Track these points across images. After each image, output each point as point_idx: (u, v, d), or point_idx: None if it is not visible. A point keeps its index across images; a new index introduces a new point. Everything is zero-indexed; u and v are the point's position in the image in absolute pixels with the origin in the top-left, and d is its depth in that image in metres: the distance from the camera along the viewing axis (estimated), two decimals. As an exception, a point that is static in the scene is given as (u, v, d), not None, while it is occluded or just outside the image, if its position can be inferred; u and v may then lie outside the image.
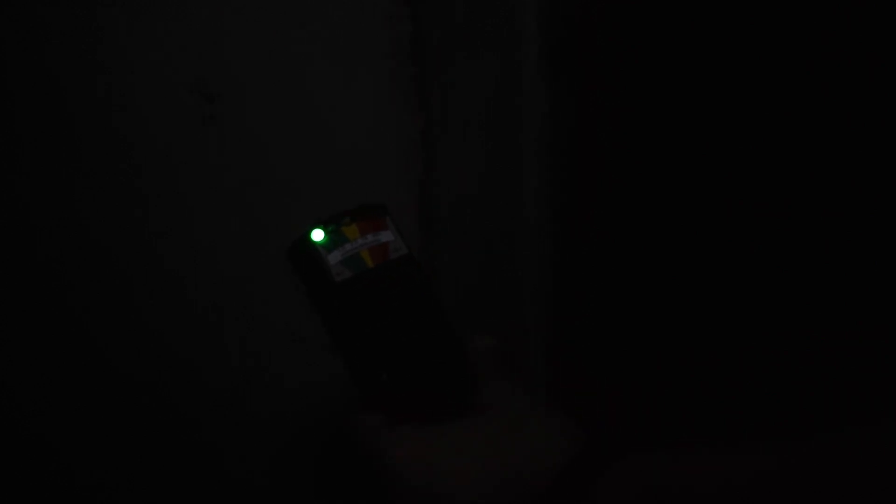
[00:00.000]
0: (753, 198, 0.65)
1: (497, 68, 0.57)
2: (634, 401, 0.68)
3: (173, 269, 0.62)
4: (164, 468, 0.69)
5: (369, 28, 0.55)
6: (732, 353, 0.67)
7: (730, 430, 0.59)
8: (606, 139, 0.65)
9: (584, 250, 0.66)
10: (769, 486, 0.36)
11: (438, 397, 0.44)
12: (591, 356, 0.70)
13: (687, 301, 0.69)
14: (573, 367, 0.69)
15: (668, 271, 0.69)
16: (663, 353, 0.69)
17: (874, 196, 0.61)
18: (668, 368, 0.69)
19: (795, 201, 0.63)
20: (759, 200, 0.65)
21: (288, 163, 0.59)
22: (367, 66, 0.56)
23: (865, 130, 0.60)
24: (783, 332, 0.67)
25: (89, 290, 0.64)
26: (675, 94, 0.65)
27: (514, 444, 0.43)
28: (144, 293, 0.62)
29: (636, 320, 0.69)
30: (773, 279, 0.66)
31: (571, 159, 0.63)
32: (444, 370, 0.44)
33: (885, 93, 0.58)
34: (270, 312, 0.62)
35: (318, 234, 0.43)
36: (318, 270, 0.43)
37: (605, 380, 0.69)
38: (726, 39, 0.63)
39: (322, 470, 0.64)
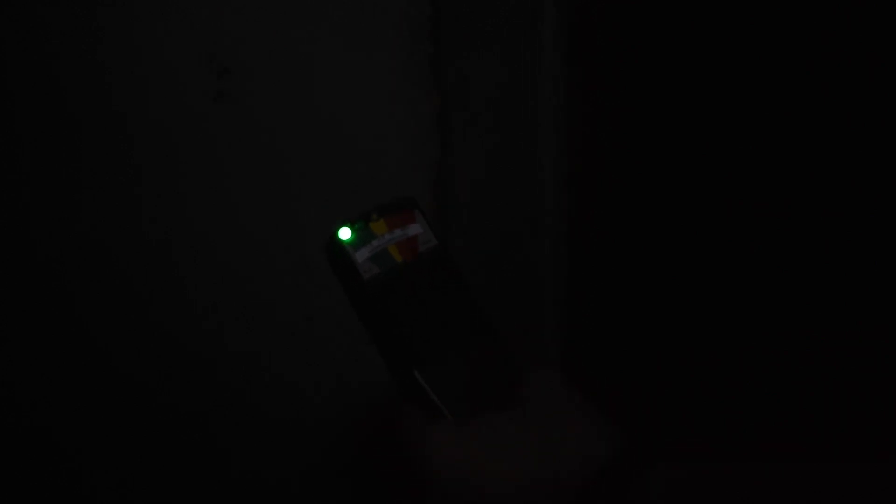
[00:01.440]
0: (758, 197, 0.65)
1: (517, 50, 0.56)
2: (647, 398, 0.68)
3: (177, 259, 0.62)
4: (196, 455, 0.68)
5: (387, 7, 0.55)
6: (735, 352, 0.67)
7: (733, 428, 0.60)
8: (620, 126, 0.65)
9: (600, 240, 0.66)
10: None
11: (478, 391, 0.44)
12: (608, 354, 0.70)
13: (693, 298, 0.68)
14: (590, 362, 0.69)
15: (676, 264, 0.68)
16: (671, 350, 0.69)
17: (873, 196, 0.62)
18: (674, 366, 0.69)
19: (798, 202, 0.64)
20: (766, 199, 0.65)
21: (300, 145, 0.59)
22: (383, 45, 0.56)
23: (865, 131, 0.60)
24: (784, 331, 0.67)
25: (88, 283, 0.64)
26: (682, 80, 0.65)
27: (555, 443, 0.43)
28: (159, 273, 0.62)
29: (646, 318, 0.69)
30: (774, 278, 0.66)
31: (587, 146, 0.63)
32: (483, 364, 0.45)
33: (881, 92, 0.59)
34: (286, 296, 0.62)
35: (345, 233, 0.43)
36: (348, 269, 0.43)
37: (623, 379, 0.69)
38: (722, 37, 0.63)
39: (360, 466, 0.64)
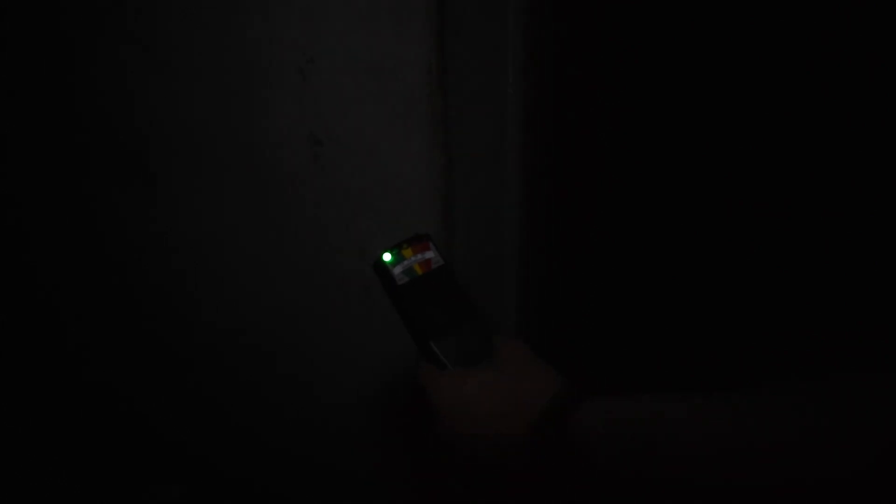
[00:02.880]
0: (749, 196, 0.67)
1: (492, 132, 0.81)
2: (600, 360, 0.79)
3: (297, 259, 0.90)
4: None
5: (414, 101, 0.79)
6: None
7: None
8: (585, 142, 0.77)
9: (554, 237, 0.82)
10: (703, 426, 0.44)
11: (469, 354, 0.59)
12: (568, 327, 0.83)
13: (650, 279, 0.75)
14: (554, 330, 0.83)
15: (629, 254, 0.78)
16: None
17: (854, 196, 0.61)
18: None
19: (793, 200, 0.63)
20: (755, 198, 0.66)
21: (364, 189, 0.84)
22: (411, 125, 0.80)
23: (860, 131, 0.59)
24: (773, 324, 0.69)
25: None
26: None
27: (519, 385, 0.55)
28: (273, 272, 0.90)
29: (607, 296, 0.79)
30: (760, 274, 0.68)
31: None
32: (472, 336, 0.60)
33: (862, 93, 0.58)
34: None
35: (387, 256, 0.60)
36: (388, 278, 0.60)
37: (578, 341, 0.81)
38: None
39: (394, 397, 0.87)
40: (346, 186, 0.85)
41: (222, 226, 0.92)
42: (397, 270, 0.59)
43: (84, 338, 1.06)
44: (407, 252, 0.60)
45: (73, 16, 0.87)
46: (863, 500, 0.37)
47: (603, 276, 0.82)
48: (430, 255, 0.61)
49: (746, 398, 0.43)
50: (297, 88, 0.82)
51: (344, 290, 0.90)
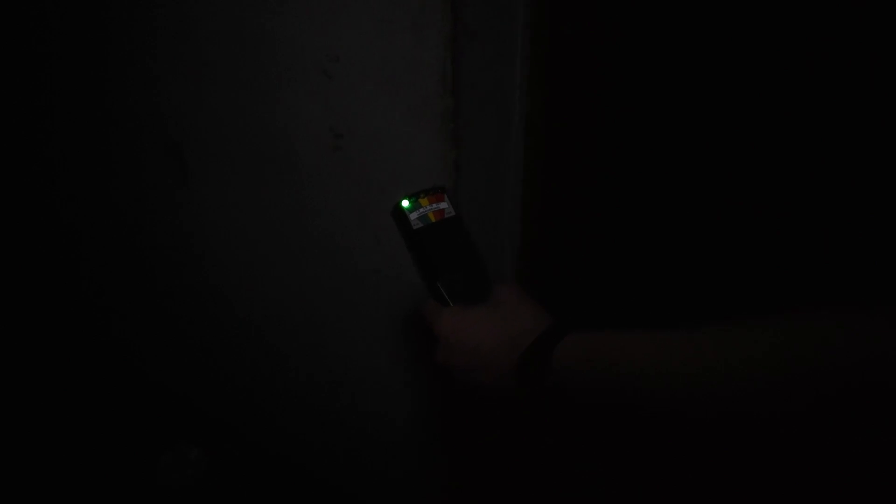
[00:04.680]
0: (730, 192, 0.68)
1: (495, 127, 0.88)
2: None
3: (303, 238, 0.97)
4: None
5: (428, 100, 0.85)
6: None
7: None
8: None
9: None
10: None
11: (469, 292, 0.63)
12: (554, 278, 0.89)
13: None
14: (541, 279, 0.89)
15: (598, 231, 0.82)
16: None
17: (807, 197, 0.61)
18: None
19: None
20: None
21: (379, 173, 0.90)
22: (424, 121, 0.86)
23: (859, 131, 0.58)
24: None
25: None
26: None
27: (510, 320, 0.59)
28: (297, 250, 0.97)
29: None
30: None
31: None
32: (473, 277, 0.64)
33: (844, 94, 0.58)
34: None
35: (405, 203, 0.65)
36: (405, 222, 0.64)
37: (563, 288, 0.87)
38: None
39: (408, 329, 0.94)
40: (363, 178, 0.92)
41: (251, 218, 0.98)
42: (413, 216, 0.63)
43: (119, 322, 1.13)
44: (424, 201, 0.65)
45: (114, 36, 0.93)
46: (813, 435, 0.37)
47: (603, 275, 0.87)
48: (444, 205, 0.65)
49: (711, 333, 0.44)
50: (322, 86, 0.88)
51: (359, 283, 0.97)
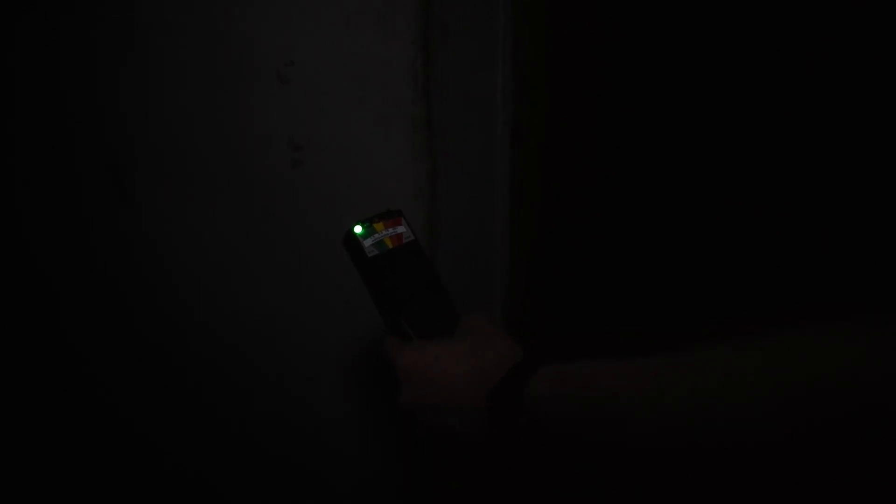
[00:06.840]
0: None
1: (479, 138, 0.78)
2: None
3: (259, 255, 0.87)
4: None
5: (398, 106, 0.76)
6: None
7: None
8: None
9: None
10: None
11: (434, 325, 0.59)
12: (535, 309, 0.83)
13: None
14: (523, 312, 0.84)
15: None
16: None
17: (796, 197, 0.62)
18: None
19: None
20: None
21: (341, 188, 0.81)
22: (395, 130, 0.77)
23: (858, 131, 0.59)
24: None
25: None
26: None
27: (480, 353, 0.57)
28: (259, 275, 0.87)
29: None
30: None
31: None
32: (437, 309, 0.60)
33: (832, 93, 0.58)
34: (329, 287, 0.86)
35: (358, 228, 0.59)
36: (359, 251, 0.59)
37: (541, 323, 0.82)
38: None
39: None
40: (329, 191, 0.82)
41: (210, 230, 0.89)
42: (368, 243, 0.59)
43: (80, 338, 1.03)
44: (379, 226, 0.60)
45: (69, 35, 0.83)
46: (800, 464, 0.36)
47: (591, 282, 0.83)
48: (401, 229, 0.61)
49: (685, 360, 0.42)
50: (275, 92, 0.78)
51: (328, 294, 0.87)
